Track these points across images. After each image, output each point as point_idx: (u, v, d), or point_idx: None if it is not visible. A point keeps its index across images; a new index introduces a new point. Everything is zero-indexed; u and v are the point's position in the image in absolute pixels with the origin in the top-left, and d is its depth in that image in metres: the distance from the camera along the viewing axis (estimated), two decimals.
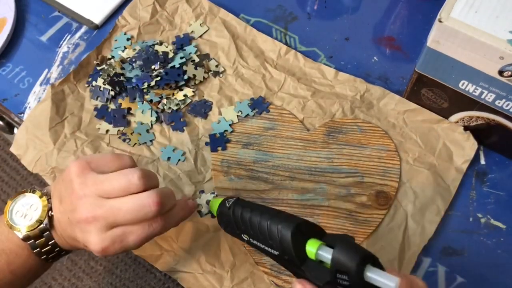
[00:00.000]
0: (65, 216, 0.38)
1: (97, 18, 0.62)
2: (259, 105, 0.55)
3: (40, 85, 0.58)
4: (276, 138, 0.53)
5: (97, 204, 0.36)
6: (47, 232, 0.39)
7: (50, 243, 0.39)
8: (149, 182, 0.38)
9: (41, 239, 0.39)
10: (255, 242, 0.37)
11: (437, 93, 0.50)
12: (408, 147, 0.52)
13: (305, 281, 0.33)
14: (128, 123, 0.55)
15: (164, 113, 0.55)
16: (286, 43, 0.60)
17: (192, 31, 0.60)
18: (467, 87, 0.47)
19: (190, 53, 0.58)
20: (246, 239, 0.38)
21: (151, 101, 0.55)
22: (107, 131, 0.54)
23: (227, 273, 0.47)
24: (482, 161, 0.52)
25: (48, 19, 0.63)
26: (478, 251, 0.48)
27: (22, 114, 0.56)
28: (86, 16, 0.62)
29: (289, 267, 0.35)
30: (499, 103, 0.46)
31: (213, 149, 0.53)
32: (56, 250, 0.40)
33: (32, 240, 0.39)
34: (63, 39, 0.61)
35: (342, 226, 0.49)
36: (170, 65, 0.56)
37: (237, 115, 0.55)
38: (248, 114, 0.55)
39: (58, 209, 0.39)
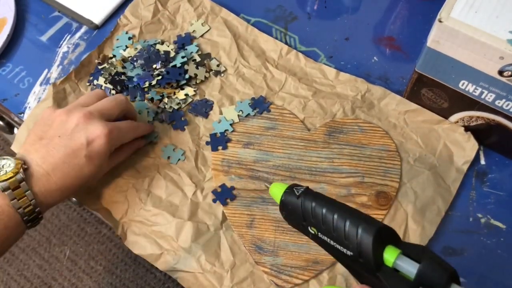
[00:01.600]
0: (52, 142, 0.42)
1: (97, 18, 0.62)
2: (260, 104, 0.55)
3: (40, 85, 0.58)
4: (276, 138, 0.53)
5: (84, 108, 0.45)
6: (23, 182, 0.40)
7: (26, 193, 0.40)
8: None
9: (18, 189, 0.40)
10: (325, 238, 0.35)
11: (437, 93, 0.50)
12: (408, 147, 0.52)
13: (368, 287, 0.32)
14: None
15: (165, 112, 0.55)
16: (286, 43, 0.60)
17: (194, 31, 0.60)
18: (467, 87, 0.47)
19: (192, 52, 0.58)
20: (313, 232, 0.36)
21: (152, 100, 0.55)
22: None
23: (227, 273, 0.47)
24: (482, 161, 0.53)
25: (48, 19, 0.63)
26: (478, 251, 0.48)
27: (22, 114, 0.56)
28: (86, 16, 0.62)
29: (357, 268, 0.34)
30: (499, 103, 0.46)
31: (214, 149, 0.53)
32: (32, 202, 0.40)
33: (10, 191, 0.39)
34: (63, 39, 0.61)
35: None
36: (171, 64, 0.56)
37: (238, 115, 0.55)
38: (249, 114, 0.55)
39: (40, 145, 0.43)
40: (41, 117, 0.45)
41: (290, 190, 0.37)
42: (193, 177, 0.52)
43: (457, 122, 0.53)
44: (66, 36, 0.62)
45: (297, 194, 0.36)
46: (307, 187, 0.37)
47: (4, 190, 0.39)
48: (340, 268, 0.47)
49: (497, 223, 0.49)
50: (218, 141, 0.53)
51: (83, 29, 0.62)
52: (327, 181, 0.51)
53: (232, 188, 0.51)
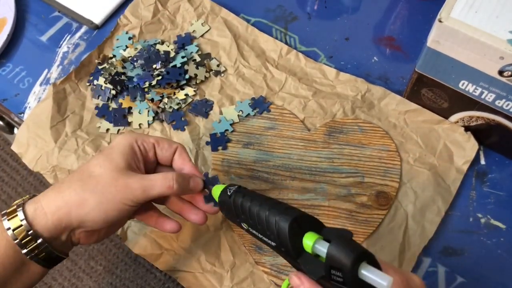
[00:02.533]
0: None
1: (97, 18, 0.62)
2: (260, 104, 0.55)
3: (40, 85, 0.58)
4: (276, 138, 0.53)
5: None
6: (30, 229, 0.37)
7: (29, 232, 0.37)
8: None
9: (27, 238, 0.37)
10: (254, 232, 0.37)
11: (437, 93, 0.50)
12: (408, 147, 0.52)
13: (302, 274, 0.33)
14: (128, 123, 0.55)
15: (165, 112, 0.55)
16: (286, 43, 0.60)
17: (194, 31, 0.60)
18: (467, 87, 0.47)
19: (192, 52, 0.58)
20: (245, 227, 0.38)
21: (152, 100, 0.55)
22: (108, 130, 0.54)
23: (227, 273, 0.47)
24: (482, 161, 0.53)
25: (48, 19, 0.63)
26: (478, 251, 0.48)
27: (22, 114, 0.56)
28: (86, 16, 0.62)
29: (287, 258, 0.35)
30: (499, 103, 0.46)
31: (214, 149, 0.53)
32: (30, 233, 0.37)
33: (19, 241, 0.37)
34: (63, 39, 0.61)
35: (342, 226, 0.49)
36: (171, 64, 0.56)
37: (238, 115, 0.55)
38: (249, 114, 0.55)
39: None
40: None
41: (224, 190, 0.40)
42: None
43: (457, 122, 0.53)
44: (66, 36, 0.62)
45: (229, 193, 0.39)
46: (239, 186, 0.39)
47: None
48: None
49: (497, 223, 0.49)
50: (218, 141, 0.53)
51: (83, 29, 0.62)
52: (327, 181, 0.51)
53: None
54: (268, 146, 0.53)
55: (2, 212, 0.39)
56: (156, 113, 0.55)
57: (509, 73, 0.42)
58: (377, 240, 0.48)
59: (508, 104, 0.46)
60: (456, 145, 0.52)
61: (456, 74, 0.46)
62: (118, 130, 0.54)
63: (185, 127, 0.54)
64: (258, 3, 0.63)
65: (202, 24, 0.61)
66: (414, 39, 0.60)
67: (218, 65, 0.58)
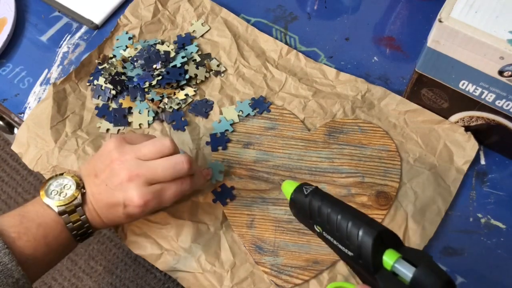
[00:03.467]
0: (101, 186, 0.43)
1: (97, 18, 0.62)
2: (260, 104, 0.55)
3: (40, 85, 0.58)
4: (276, 138, 0.53)
5: (137, 164, 0.42)
6: (80, 208, 0.43)
7: (81, 217, 0.43)
8: (177, 148, 0.45)
9: (74, 214, 0.43)
10: (328, 237, 0.36)
11: (437, 93, 0.50)
12: (409, 147, 0.52)
13: None
14: (128, 123, 0.55)
15: (165, 112, 0.55)
16: (286, 43, 0.60)
17: (194, 31, 0.60)
18: (467, 87, 0.47)
19: (192, 52, 0.58)
20: (318, 231, 0.37)
21: (152, 100, 0.55)
22: (108, 130, 0.54)
23: (227, 273, 0.47)
24: (482, 161, 0.53)
25: (48, 19, 0.63)
26: (478, 251, 0.48)
27: (22, 114, 0.56)
28: (86, 16, 0.62)
29: (358, 269, 0.35)
30: (499, 103, 0.46)
31: (214, 149, 0.53)
32: (85, 226, 0.43)
33: (66, 215, 0.42)
34: (63, 39, 0.61)
35: None
36: (171, 64, 0.56)
37: (238, 115, 0.55)
38: (249, 114, 0.55)
39: (94, 183, 0.43)
40: (103, 149, 0.44)
41: (299, 188, 0.39)
42: None
43: (457, 122, 0.53)
44: (66, 36, 0.62)
45: (306, 193, 0.38)
46: (316, 187, 0.38)
47: (61, 214, 0.42)
48: (340, 268, 0.47)
49: (497, 223, 0.49)
50: (218, 141, 0.53)
51: (83, 29, 0.62)
52: (327, 181, 0.51)
53: (232, 188, 0.51)
54: (268, 146, 0.53)
55: (61, 211, 0.43)
56: (156, 113, 0.55)
57: (509, 73, 0.42)
58: None
59: (508, 104, 0.46)
60: (456, 145, 0.52)
61: (456, 74, 0.46)
62: (118, 130, 0.54)
63: (185, 127, 0.54)
64: (258, 3, 0.63)
65: (202, 24, 0.61)
66: (414, 39, 0.60)
67: (218, 65, 0.58)
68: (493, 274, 0.47)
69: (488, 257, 0.48)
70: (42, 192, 0.43)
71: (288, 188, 0.40)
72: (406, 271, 0.30)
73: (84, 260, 1.11)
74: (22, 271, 0.39)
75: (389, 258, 0.31)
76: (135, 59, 0.57)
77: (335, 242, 0.35)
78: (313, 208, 0.37)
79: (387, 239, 0.33)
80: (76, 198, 0.43)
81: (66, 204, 0.42)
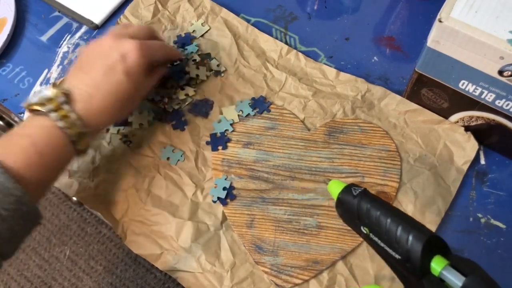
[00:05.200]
0: (93, 61, 0.45)
1: (97, 18, 0.62)
2: (260, 104, 0.55)
3: (40, 85, 0.58)
4: (276, 138, 0.53)
5: (113, 33, 0.47)
6: (66, 104, 0.42)
7: (70, 114, 0.42)
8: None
9: (61, 110, 0.41)
10: (376, 239, 0.36)
11: (437, 93, 0.50)
12: (409, 147, 0.52)
13: None
14: (128, 123, 0.55)
15: (165, 112, 0.55)
16: (286, 43, 0.60)
17: (194, 31, 0.60)
18: (467, 87, 0.47)
19: (192, 52, 0.58)
20: (365, 232, 0.37)
21: (152, 100, 0.55)
22: (108, 130, 0.54)
23: (227, 273, 0.47)
24: (482, 161, 0.53)
25: (48, 19, 0.63)
26: (478, 251, 0.48)
27: (22, 114, 0.56)
28: (86, 16, 0.62)
29: (404, 272, 0.35)
30: (499, 103, 0.46)
31: (214, 148, 0.53)
32: (78, 123, 0.42)
33: (53, 113, 0.41)
34: (63, 39, 0.61)
35: (343, 226, 0.49)
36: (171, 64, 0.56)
37: (238, 115, 0.55)
38: (249, 114, 0.55)
39: (80, 71, 0.45)
40: (78, 55, 0.47)
41: (347, 189, 0.39)
42: (193, 177, 0.52)
43: (457, 122, 0.53)
44: (66, 36, 0.62)
45: (354, 194, 0.38)
46: (365, 189, 0.38)
47: (48, 112, 0.41)
48: (340, 268, 0.47)
49: (497, 223, 0.49)
50: (218, 141, 0.53)
51: (83, 29, 0.62)
52: (327, 181, 0.51)
53: (232, 188, 0.51)
54: (268, 146, 0.53)
55: (47, 110, 0.42)
56: (156, 113, 0.55)
57: (509, 73, 0.42)
58: None
59: (508, 104, 0.46)
60: (456, 145, 0.52)
61: (456, 74, 0.46)
62: (118, 130, 0.54)
63: (185, 127, 0.54)
64: (258, 3, 0.63)
65: (202, 24, 0.61)
66: (414, 39, 0.60)
67: (218, 65, 0.58)
68: (493, 274, 0.47)
69: (488, 257, 0.48)
70: (26, 107, 0.42)
71: (335, 188, 0.40)
72: (455, 279, 0.31)
73: (84, 260, 1.11)
74: (22, 188, 0.37)
75: (437, 265, 0.32)
76: None
77: (382, 244, 0.35)
78: (361, 209, 0.37)
79: (436, 244, 0.33)
80: (58, 96, 0.42)
81: (49, 101, 0.41)
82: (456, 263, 0.32)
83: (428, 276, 0.32)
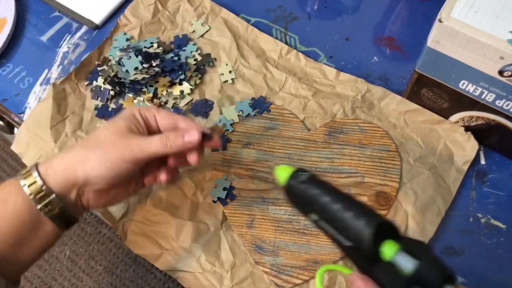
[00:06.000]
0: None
1: (97, 18, 0.62)
2: (260, 104, 0.55)
3: (40, 85, 0.58)
4: (277, 138, 0.53)
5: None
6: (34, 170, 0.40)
7: (34, 176, 0.40)
8: None
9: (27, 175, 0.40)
10: (325, 225, 0.35)
11: (437, 93, 0.50)
12: (409, 147, 0.52)
13: (369, 280, 0.32)
14: None
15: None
16: (286, 43, 0.60)
17: (194, 31, 0.60)
18: (467, 87, 0.47)
19: (192, 51, 0.58)
20: (314, 219, 0.36)
21: (152, 100, 0.55)
22: None
23: (227, 273, 0.47)
24: (482, 161, 0.53)
25: (48, 19, 0.63)
26: (478, 251, 0.48)
27: (22, 114, 0.56)
28: (86, 16, 0.62)
29: (355, 258, 0.34)
30: (499, 103, 0.46)
31: (214, 149, 0.53)
32: (43, 188, 0.39)
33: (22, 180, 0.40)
34: (63, 39, 0.61)
35: None
36: (167, 56, 0.57)
37: (238, 115, 0.55)
38: (249, 114, 0.55)
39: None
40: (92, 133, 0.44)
41: (295, 174, 0.37)
42: (193, 177, 0.52)
43: (457, 122, 0.53)
44: (66, 36, 0.62)
45: (302, 180, 0.36)
46: (313, 173, 0.37)
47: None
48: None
49: (497, 223, 0.49)
50: None
51: (83, 29, 0.62)
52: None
53: (232, 188, 0.51)
54: (268, 146, 0.53)
55: (19, 173, 0.41)
56: None
57: (509, 73, 0.42)
58: None
59: (508, 104, 0.46)
60: (456, 145, 0.52)
61: (456, 74, 0.46)
62: None
63: None
64: (258, 3, 0.63)
65: (202, 24, 0.61)
66: (414, 39, 0.60)
67: (230, 72, 0.57)
68: (493, 274, 0.47)
69: (488, 257, 0.48)
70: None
71: (282, 173, 0.38)
72: (407, 263, 0.30)
73: (84, 260, 1.11)
74: None
75: (389, 249, 0.31)
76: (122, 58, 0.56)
77: (332, 229, 0.34)
78: (310, 195, 0.36)
79: (387, 230, 0.32)
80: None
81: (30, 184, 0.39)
82: (408, 247, 0.31)
83: (379, 262, 0.32)
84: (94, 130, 0.44)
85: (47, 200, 0.39)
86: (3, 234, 0.39)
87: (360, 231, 0.32)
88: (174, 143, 0.41)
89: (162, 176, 0.45)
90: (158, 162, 0.45)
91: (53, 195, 0.39)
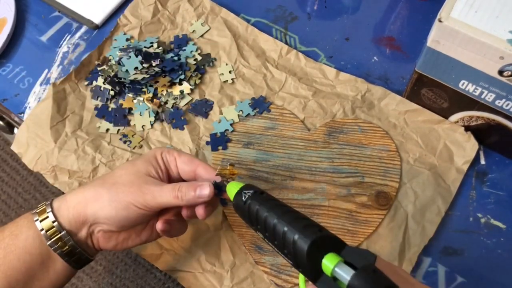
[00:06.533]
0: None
1: (97, 18, 0.62)
2: (260, 104, 0.55)
3: (40, 85, 0.58)
4: (276, 138, 0.53)
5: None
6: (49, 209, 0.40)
7: (48, 212, 0.40)
8: None
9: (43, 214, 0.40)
10: (270, 244, 0.34)
11: (437, 93, 0.50)
12: (409, 147, 0.52)
13: None
14: (128, 123, 0.55)
15: (165, 112, 0.55)
16: (286, 43, 0.60)
17: (194, 31, 0.60)
18: (467, 87, 0.47)
19: (192, 51, 0.58)
20: (261, 236, 0.35)
21: (152, 100, 0.55)
22: (107, 130, 0.54)
23: (227, 273, 0.47)
24: (482, 161, 0.53)
25: (48, 19, 0.63)
26: (478, 251, 0.48)
27: (22, 114, 0.56)
28: (86, 16, 0.62)
29: (303, 274, 0.33)
30: (499, 103, 0.46)
31: (214, 148, 0.53)
32: (54, 224, 0.39)
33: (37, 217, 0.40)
34: (63, 39, 0.61)
35: (342, 226, 0.49)
36: (167, 56, 0.56)
37: (238, 115, 0.55)
38: (249, 114, 0.55)
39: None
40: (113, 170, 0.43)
41: (239, 193, 0.37)
42: None
43: (457, 122, 0.52)
44: (66, 36, 0.62)
45: (244, 198, 0.36)
46: (257, 191, 0.36)
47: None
48: None
49: (497, 223, 0.49)
50: (218, 141, 0.53)
51: (83, 29, 0.62)
52: (327, 181, 0.51)
53: None
54: (268, 146, 0.53)
55: (34, 211, 0.40)
56: (157, 113, 0.55)
57: (509, 73, 0.42)
58: (377, 240, 0.48)
59: (508, 104, 0.46)
60: (456, 145, 0.52)
61: (456, 74, 0.46)
62: (118, 130, 0.54)
63: (184, 126, 0.54)
64: (258, 3, 0.63)
65: (202, 24, 0.61)
66: (414, 39, 0.60)
67: (230, 72, 0.57)
68: (493, 274, 0.47)
69: (488, 257, 0.48)
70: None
71: (231, 189, 0.38)
72: (345, 275, 0.29)
73: None
74: None
75: (329, 262, 0.29)
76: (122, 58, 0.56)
77: (276, 250, 0.33)
78: (252, 214, 0.35)
79: (327, 243, 0.31)
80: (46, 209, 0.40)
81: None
82: (350, 258, 0.30)
83: (323, 277, 0.30)
84: (115, 168, 0.44)
85: (57, 236, 0.39)
86: (13, 270, 0.38)
87: (295, 249, 0.31)
88: (186, 195, 0.40)
89: (158, 225, 0.42)
90: (176, 208, 0.43)
91: (64, 232, 0.39)
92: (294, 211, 0.34)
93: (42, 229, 0.39)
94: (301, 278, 0.34)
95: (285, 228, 0.32)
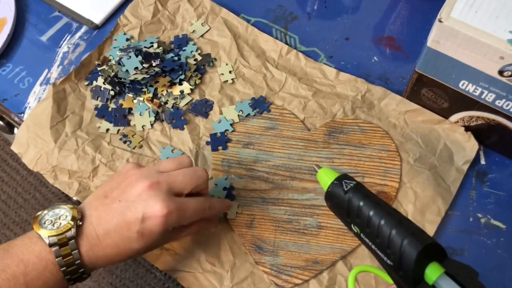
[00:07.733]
0: (112, 205, 0.40)
1: (97, 18, 0.62)
2: (260, 104, 0.55)
3: (40, 85, 0.58)
4: (276, 138, 0.53)
5: (157, 174, 0.41)
6: (73, 241, 0.38)
7: (73, 252, 0.38)
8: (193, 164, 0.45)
9: (65, 247, 0.38)
10: (367, 241, 0.33)
11: (437, 93, 0.50)
12: (409, 147, 0.52)
13: None
14: (128, 123, 0.55)
15: (165, 112, 0.55)
16: (286, 43, 0.60)
17: (194, 31, 0.60)
18: (467, 87, 0.47)
19: (192, 51, 0.58)
20: (355, 231, 0.34)
21: (152, 100, 0.55)
22: (107, 130, 0.54)
23: (227, 273, 0.47)
24: (482, 161, 0.53)
25: (48, 19, 0.63)
26: (478, 251, 0.48)
27: (22, 114, 0.56)
28: (86, 16, 0.62)
29: (396, 277, 0.32)
30: (499, 103, 0.46)
31: (214, 149, 0.53)
32: (76, 263, 0.38)
33: (57, 247, 0.38)
34: (63, 39, 0.61)
35: (343, 226, 0.49)
36: (167, 56, 0.56)
37: (238, 115, 0.55)
38: (249, 114, 0.55)
39: (102, 204, 0.40)
40: (118, 172, 0.43)
41: (338, 181, 0.35)
42: None
43: (457, 122, 0.53)
44: (66, 36, 0.62)
45: (345, 189, 0.34)
46: (358, 183, 0.35)
47: (52, 245, 0.38)
48: (340, 268, 0.47)
49: (497, 223, 0.49)
50: (218, 141, 0.53)
51: (83, 29, 0.62)
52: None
53: (232, 188, 0.51)
54: (268, 146, 0.53)
55: (52, 242, 0.38)
56: (157, 113, 0.55)
57: (509, 73, 0.42)
58: None
59: (508, 104, 0.46)
60: (456, 145, 0.52)
61: (456, 74, 0.46)
62: (118, 130, 0.54)
63: (184, 126, 0.54)
64: (258, 3, 0.63)
65: (202, 24, 0.61)
66: (414, 39, 0.60)
67: (230, 72, 0.57)
68: (493, 274, 0.47)
69: (488, 257, 0.48)
70: (35, 222, 0.39)
71: (326, 178, 0.36)
72: (448, 287, 0.28)
73: None
74: None
75: (433, 272, 0.29)
76: (122, 58, 0.56)
77: (373, 247, 0.32)
78: (352, 206, 0.33)
79: (432, 251, 0.30)
80: (70, 229, 0.38)
81: (59, 235, 0.38)
82: (453, 271, 0.29)
83: (421, 285, 0.30)
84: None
85: (73, 268, 0.39)
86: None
87: (403, 252, 0.30)
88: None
89: None
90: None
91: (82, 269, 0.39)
92: (397, 211, 0.33)
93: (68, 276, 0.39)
94: (351, 277, 0.34)
95: (394, 230, 0.31)
